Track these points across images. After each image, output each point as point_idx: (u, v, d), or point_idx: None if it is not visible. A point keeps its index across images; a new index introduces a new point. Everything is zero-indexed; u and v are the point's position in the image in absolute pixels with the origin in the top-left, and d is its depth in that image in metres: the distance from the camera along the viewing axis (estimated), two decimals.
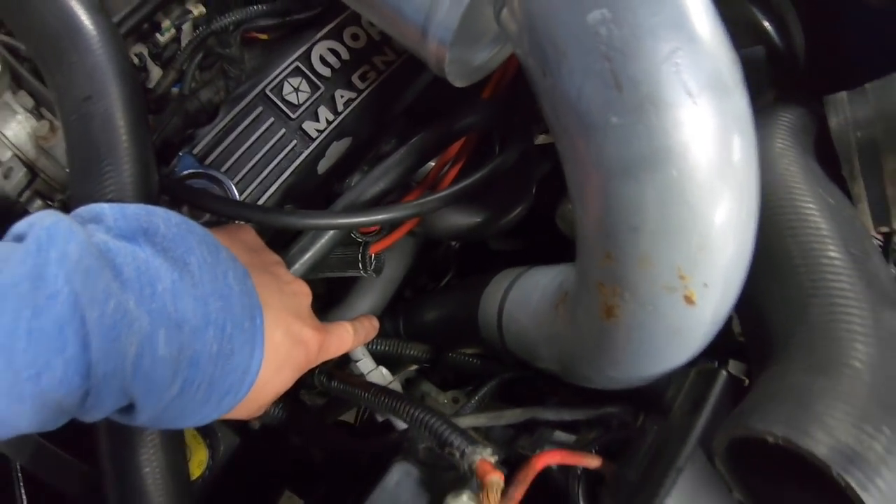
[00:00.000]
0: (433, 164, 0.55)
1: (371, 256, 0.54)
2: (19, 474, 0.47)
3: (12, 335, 0.24)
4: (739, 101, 0.28)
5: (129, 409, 0.30)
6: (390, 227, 0.54)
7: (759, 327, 0.35)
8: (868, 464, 0.25)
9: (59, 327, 0.25)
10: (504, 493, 0.33)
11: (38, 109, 0.48)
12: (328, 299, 0.66)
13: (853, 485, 0.24)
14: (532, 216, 0.59)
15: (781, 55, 0.46)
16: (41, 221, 0.27)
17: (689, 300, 0.29)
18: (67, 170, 0.47)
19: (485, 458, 0.34)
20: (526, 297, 0.47)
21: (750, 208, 0.30)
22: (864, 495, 0.24)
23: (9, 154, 0.46)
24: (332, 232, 0.49)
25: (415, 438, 0.41)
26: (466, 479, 0.35)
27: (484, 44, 0.44)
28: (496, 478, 0.33)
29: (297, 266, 0.48)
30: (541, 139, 0.59)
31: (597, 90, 0.28)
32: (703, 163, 0.27)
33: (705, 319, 0.31)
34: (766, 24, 0.47)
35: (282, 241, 0.50)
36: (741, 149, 0.28)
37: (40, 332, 0.25)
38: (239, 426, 0.50)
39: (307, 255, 0.49)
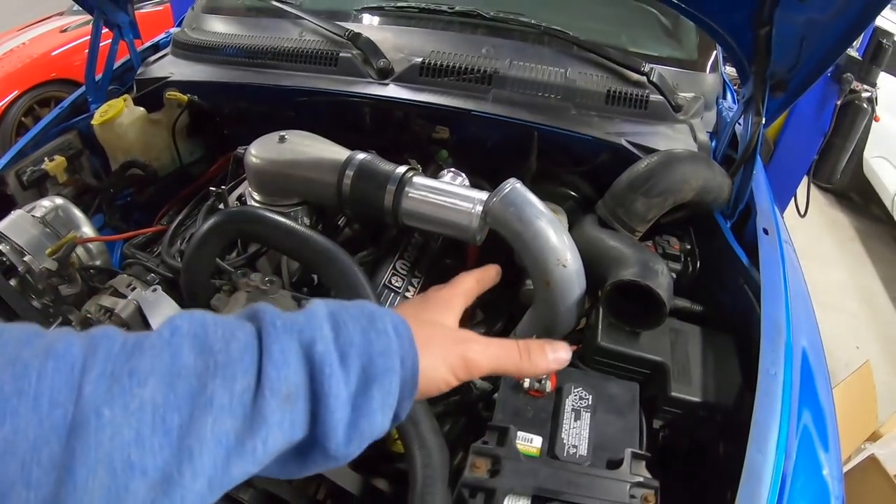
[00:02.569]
0: None
1: None
2: None
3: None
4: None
5: (314, 374, 0.36)
6: None
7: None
8: (647, 277, 0.85)
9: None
10: None
11: None
12: None
13: (645, 282, 0.83)
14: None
15: (580, 201, 1.16)
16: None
17: (564, 265, 0.89)
18: None
19: None
20: (523, 324, 1.01)
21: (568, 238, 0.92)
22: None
23: None
24: None
25: None
26: None
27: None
28: None
29: None
30: None
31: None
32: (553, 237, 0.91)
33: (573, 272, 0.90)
34: (570, 191, 1.19)
35: None
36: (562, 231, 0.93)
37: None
38: None
39: None
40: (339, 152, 1.02)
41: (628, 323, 0.88)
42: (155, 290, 0.96)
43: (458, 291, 0.56)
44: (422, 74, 1.27)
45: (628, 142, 1.19)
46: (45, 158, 1.33)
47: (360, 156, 1.00)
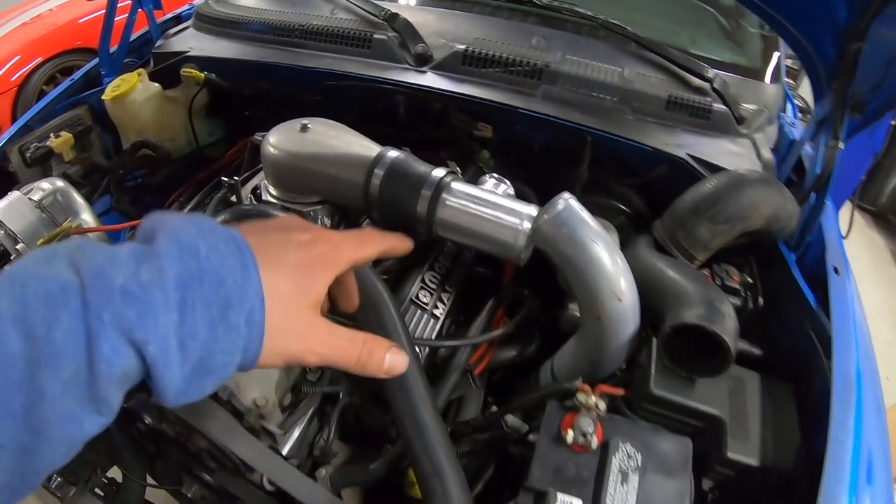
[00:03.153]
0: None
1: (476, 376, 0.94)
2: None
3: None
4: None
5: (148, 367, 0.33)
6: (481, 357, 0.96)
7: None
8: (713, 320, 0.71)
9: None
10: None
11: None
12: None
13: (711, 327, 0.70)
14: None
15: (632, 217, 1.02)
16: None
17: (619, 299, 0.76)
18: None
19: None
20: (563, 356, 0.90)
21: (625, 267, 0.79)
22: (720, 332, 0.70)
23: None
24: (468, 352, 0.90)
25: None
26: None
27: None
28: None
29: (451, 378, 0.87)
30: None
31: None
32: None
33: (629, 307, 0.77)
34: (621, 205, 1.05)
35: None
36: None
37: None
38: None
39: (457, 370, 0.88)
40: (368, 147, 0.90)
41: (685, 368, 0.76)
42: None
43: (349, 250, 0.46)
44: (464, 63, 1.13)
45: (690, 155, 1.05)
46: (51, 134, 1.23)
47: (393, 153, 0.87)
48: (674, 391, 0.75)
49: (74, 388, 0.31)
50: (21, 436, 0.31)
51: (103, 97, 1.27)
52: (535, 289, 1.01)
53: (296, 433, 0.80)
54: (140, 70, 1.30)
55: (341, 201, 0.94)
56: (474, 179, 0.97)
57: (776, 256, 0.99)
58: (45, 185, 1.07)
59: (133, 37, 1.42)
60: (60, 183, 1.08)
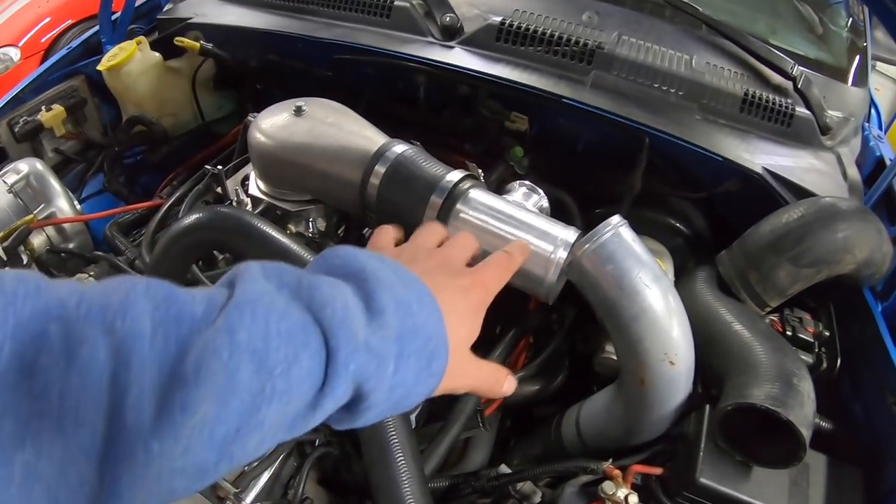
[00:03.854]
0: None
1: (486, 417, 0.77)
2: None
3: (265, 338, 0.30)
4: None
5: (356, 402, 0.35)
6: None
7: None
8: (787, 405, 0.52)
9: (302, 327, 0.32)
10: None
11: None
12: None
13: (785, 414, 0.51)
14: None
15: (691, 239, 0.82)
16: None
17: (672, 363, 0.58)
18: None
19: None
20: (593, 411, 0.72)
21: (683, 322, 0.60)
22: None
23: None
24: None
25: None
26: None
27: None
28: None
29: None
30: None
31: None
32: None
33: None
34: (678, 224, 0.85)
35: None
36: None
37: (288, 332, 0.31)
38: None
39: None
40: (371, 139, 0.72)
41: (741, 452, 0.59)
42: None
43: (495, 285, 0.48)
44: (499, 40, 0.94)
45: (766, 170, 0.84)
46: (42, 107, 1.11)
47: (399, 147, 0.69)
48: (725, 481, 0.59)
49: (292, 420, 0.33)
50: (207, 460, 0.30)
51: (99, 67, 1.13)
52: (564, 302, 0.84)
53: (263, 478, 0.65)
54: (140, 38, 1.16)
55: (335, 203, 0.77)
56: (500, 184, 0.79)
57: (859, 305, 0.80)
58: (22, 166, 0.97)
59: (140, 0, 1.28)
60: (39, 166, 0.98)
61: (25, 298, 0.27)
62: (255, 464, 0.66)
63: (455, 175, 0.66)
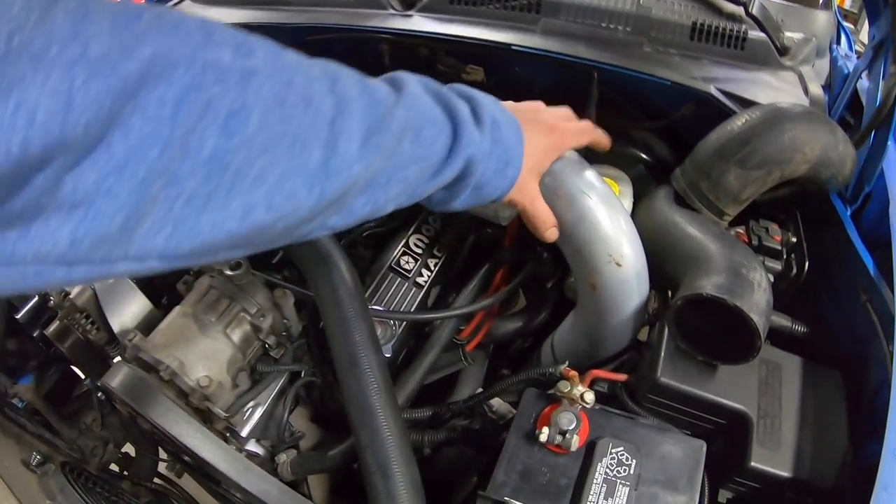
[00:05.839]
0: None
1: (468, 353, 0.81)
2: None
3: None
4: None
5: (459, 179, 0.49)
6: (475, 331, 0.82)
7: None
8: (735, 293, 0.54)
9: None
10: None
11: None
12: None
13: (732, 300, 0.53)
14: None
15: (653, 166, 0.85)
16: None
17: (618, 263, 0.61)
18: None
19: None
20: (563, 331, 0.76)
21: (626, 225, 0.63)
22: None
23: None
24: (452, 325, 0.76)
25: None
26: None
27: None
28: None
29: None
30: None
31: None
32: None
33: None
34: (641, 153, 0.87)
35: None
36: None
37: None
38: None
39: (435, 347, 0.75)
40: None
41: (702, 351, 0.59)
42: None
43: (571, 141, 0.62)
44: (453, 2, 0.97)
45: (719, 90, 0.85)
46: None
47: None
48: (686, 380, 0.60)
49: (420, 180, 0.46)
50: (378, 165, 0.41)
51: None
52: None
53: (257, 414, 0.70)
54: None
55: None
56: None
57: (828, 211, 0.80)
58: None
59: None
60: None
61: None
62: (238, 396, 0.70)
63: None
